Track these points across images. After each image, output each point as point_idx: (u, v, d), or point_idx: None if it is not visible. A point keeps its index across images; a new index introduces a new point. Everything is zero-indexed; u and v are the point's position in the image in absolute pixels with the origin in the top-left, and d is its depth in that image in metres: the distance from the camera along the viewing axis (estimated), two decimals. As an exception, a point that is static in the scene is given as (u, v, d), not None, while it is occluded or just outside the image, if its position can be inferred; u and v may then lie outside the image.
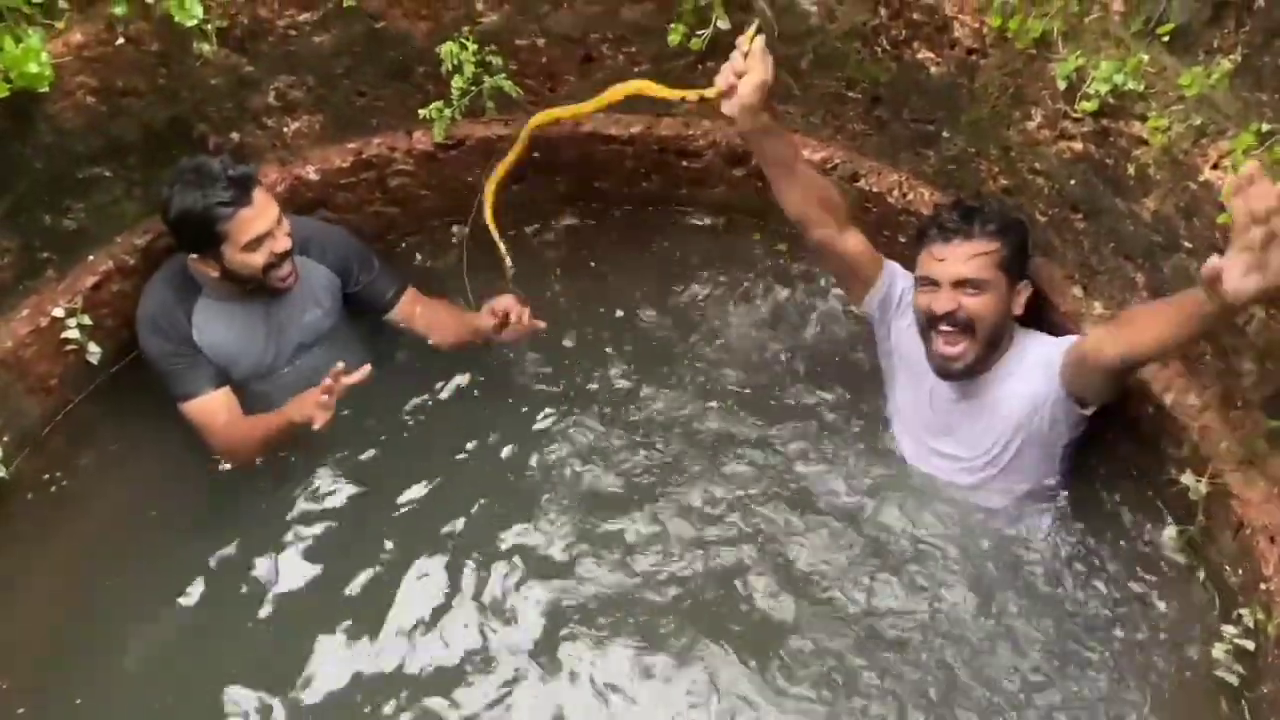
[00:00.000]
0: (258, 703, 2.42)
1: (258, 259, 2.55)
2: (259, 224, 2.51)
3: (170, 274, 2.72)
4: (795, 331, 3.03)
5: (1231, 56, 1.92)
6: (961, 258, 2.32)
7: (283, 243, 2.57)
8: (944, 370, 2.41)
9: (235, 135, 2.93)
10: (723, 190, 3.17)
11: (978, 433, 2.47)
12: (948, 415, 2.52)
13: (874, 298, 2.60)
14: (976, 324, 2.34)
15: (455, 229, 3.20)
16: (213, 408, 2.70)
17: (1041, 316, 2.57)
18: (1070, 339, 2.36)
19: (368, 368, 2.55)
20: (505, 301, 2.72)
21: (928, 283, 2.38)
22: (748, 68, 2.26)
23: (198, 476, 2.80)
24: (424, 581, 2.60)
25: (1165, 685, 2.31)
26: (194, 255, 2.57)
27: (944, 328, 2.37)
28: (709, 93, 2.35)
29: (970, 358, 2.38)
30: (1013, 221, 2.41)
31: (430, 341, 2.92)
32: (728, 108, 2.29)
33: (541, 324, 2.79)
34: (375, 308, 2.92)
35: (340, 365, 2.50)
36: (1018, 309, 2.39)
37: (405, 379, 2.99)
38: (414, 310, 2.91)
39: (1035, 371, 2.37)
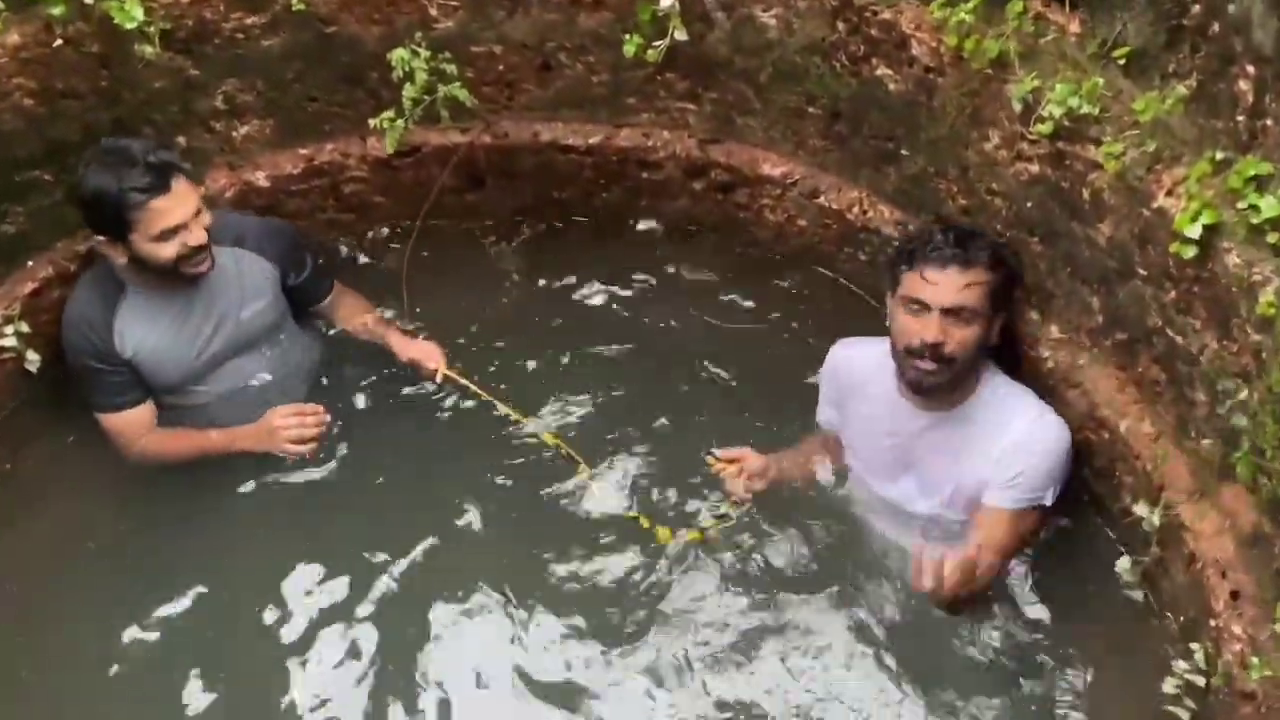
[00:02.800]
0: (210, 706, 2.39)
1: (168, 250, 2.44)
2: (173, 215, 2.41)
3: (95, 278, 2.64)
4: (746, 348, 2.99)
5: (1187, 82, 1.87)
6: (957, 285, 2.23)
7: (198, 236, 2.46)
8: (917, 385, 2.33)
9: (182, 139, 2.86)
10: (684, 203, 3.12)
11: (938, 471, 2.44)
12: (908, 451, 2.47)
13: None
14: (958, 357, 2.27)
15: (399, 249, 3.15)
16: (123, 423, 2.65)
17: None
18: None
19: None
20: (426, 354, 2.78)
21: (917, 305, 2.27)
22: (735, 460, 2.55)
23: (141, 486, 2.75)
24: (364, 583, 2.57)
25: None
26: (100, 238, 2.47)
27: (923, 360, 2.28)
28: (729, 509, 2.58)
29: (944, 381, 2.32)
30: (1007, 253, 2.36)
31: (338, 328, 2.94)
32: (759, 485, 2.56)
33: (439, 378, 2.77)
34: (311, 300, 2.89)
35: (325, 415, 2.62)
36: (993, 339, 2.34)
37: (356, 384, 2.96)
38: (340, 302, 2.94)
39: (1004, 455, 2.34)
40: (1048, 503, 2.35)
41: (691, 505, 2.65)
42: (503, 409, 2.79)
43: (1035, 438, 2.33)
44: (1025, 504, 2.34)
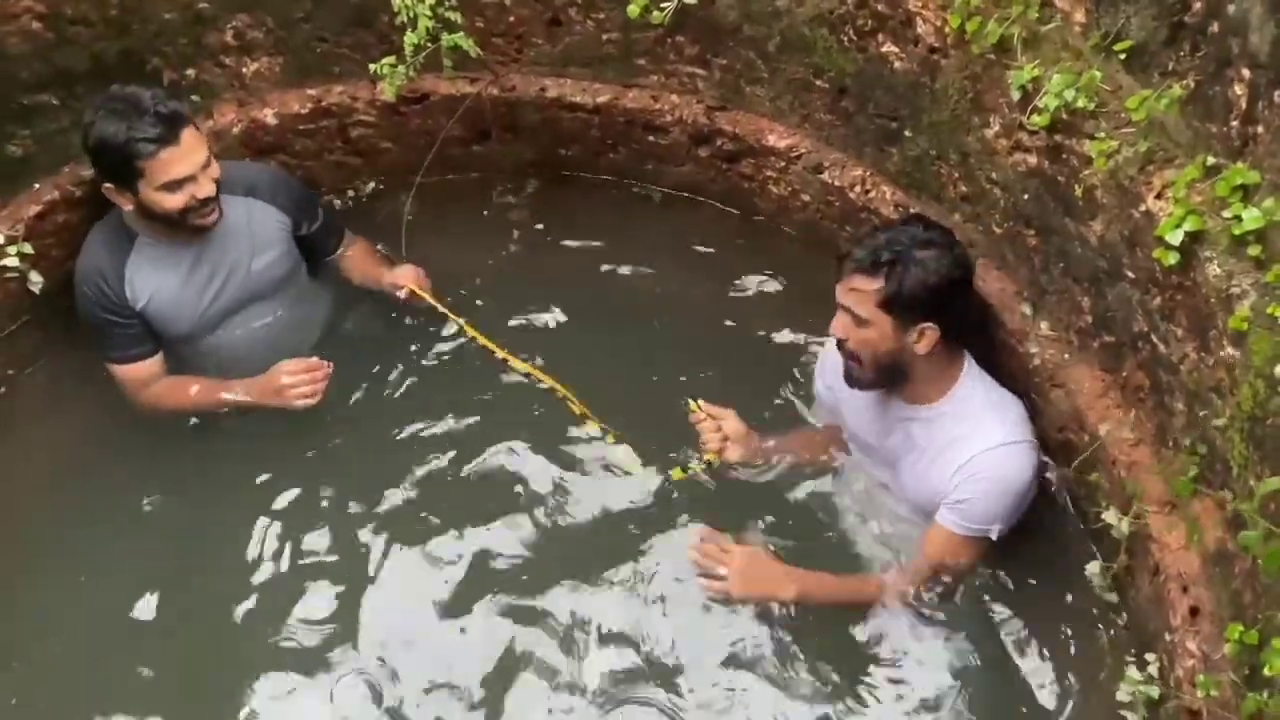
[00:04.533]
0: (191, 644, 2.45)
1: (176, 200, 2.45)
2: (181, 166, 2.42)
3: (106, 228, 2.65)
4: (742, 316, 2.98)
5: (1184, 82, 1.80)
6: (844, 288, 2.24)
7: (206, 188, 2.47)
8: (848, 378, 2.34)
9: (191, 72, 2.88)
10: (689, 169, 3.08)
11: (903, 468, 2.41)
12: (884, 442, 2.45)
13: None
14: (860, 355, 2.26)
15: (404, 198, 3.13)
16: (133, 373, 2.68)
17: (991, 333, 2.49)
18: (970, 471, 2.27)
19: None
20: (403, 276, 2.80)
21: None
22: (716, 418, 2.53)
23: (133, 418, 2.77)
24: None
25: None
26: (108, 185, 2.49)
27: (843, 356, 2.32)
28: (711, 459, 2.52)
29: (866, 379, 2.30)
30: (910, 263, 2.17)
31: (349, 279, 2.94)
32: (730, 453, 2.52)
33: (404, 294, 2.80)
34: (323, 252, 2.89)
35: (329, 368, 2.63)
36: (921, 349, 2.23)
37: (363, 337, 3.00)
38: (352, 254, 2.94)
39: (958, 474, 2.28)
40: (993, 537, 2.28)
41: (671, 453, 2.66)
42: (480, 340, 2.81)
43: (990, 468, 2.25)
44: (971, 532, 2.28)
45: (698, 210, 3.15)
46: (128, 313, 2.61)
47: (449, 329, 2.90)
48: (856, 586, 2.40)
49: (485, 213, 3.23)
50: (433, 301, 2.79)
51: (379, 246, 3.03)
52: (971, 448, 2.27)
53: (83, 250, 2.65)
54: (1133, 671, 2.11)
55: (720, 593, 2.33)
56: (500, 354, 2.79)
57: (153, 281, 2.62)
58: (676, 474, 2.54)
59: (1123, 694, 2.13)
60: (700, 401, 2.55)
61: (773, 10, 2.62)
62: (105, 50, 2.71)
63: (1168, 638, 2.02)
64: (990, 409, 2.32)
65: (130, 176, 2.43)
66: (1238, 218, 1.69)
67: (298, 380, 2.62)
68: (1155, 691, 2.06)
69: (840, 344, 2.29)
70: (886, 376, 2.31)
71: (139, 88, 2.46)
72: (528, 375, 2.77)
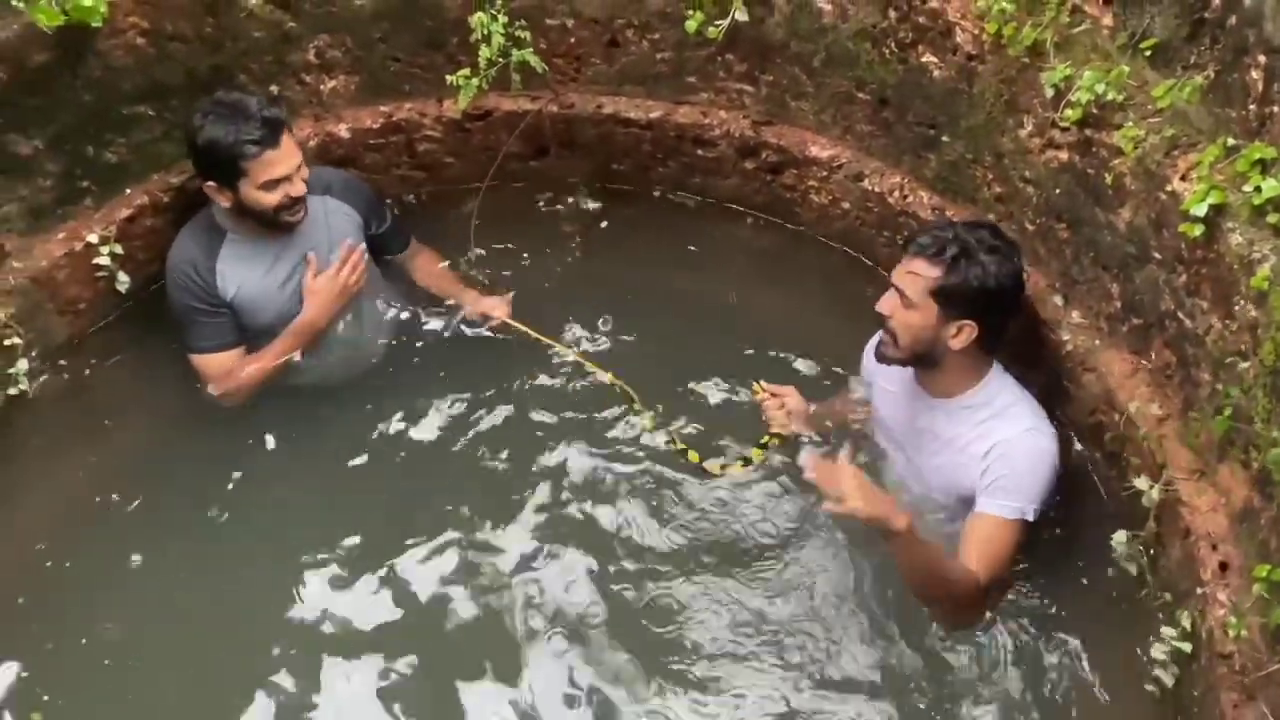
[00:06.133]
0: (253, 636, 2.57)
1: (273, 198, 2.67)
2: (280, 167, 2.64)
3: (196, 225, 2.85)
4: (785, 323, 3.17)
5: (1205, 73, 2.00)
6: (904, 270, 2.39)
7: (299, 188, 2.70)
8: (878, 352, 2.50)
9: (274, 88, 3.09)
10: (735, 181, 3.28)
11: (926, 456, 2.56)
12: (910, 431, 2.60)
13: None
14: (897, 333, 2.42)
15: (470, 204, 3.33)
16: (219, 363, 2.84)
17: (1026, 324, 2.65)
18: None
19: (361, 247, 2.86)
20: (492, 305, 3.00)
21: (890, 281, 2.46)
22: (780, 396, 2.77)
23: (214, 411, 2.92)
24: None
25: (1102, 688, 2.40)
26: (210, 183, 2.69)
27: (883, 331, 2.48)
28: (778, 436, 2.76)
29: (895, 356, 2.46)
30: (972, 261, 2.31)
31: (415, 281, 3.13)
32: (795, 427, 2.75)
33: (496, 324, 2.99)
34: (389, 250, 3.10)
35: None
36: (956, 344, 2.37)
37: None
38: (416, 256, 3.15)
39: (988, 457, 2.42)
40: (1029, 517, 2.37)
41: (733, 446, 2.85)
42: (563, 352, 2.98)
43: (1020, 448, 2.38)
44: (1010, 513, 2.36)
45: (741, 220, 3.35)
46: (217, 302, 2.80)
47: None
48: (943, 554, 2.33)
49: (539, 223, 3.42)
50: (525, 330, 2.97)
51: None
52: (1000, 433, 2.41)
53: (175, 245, 2.84)
54: (1167, 629, 2.24)
55: (846, 512, 2.19)
56: (600, 372, 2.94)
57: (240, 274, 2.81)
58: (755, 454, 2.74)
59: (1156, 652, 2.25)
60: (762, 381, 2.77)
61: (819, 27, 2.84)
62: (199, 66, 2.93)
63: (1199, 591, 2.15)
64: (1016, 402, 2.47)
65: (234, 175, 2.64)
66: (1257, 188, 1.87)
67: (344, 277, 2.83)
68: (1188, 646, 2.19)
69: (883, 320, 2.45)
70: (915, 359, 2.46)
71: (243, 94, 2.69)
72: (620, 390, 2.92)
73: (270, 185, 2.65)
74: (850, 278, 3.18)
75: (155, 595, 2.64)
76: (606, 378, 2.89)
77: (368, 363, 3.07)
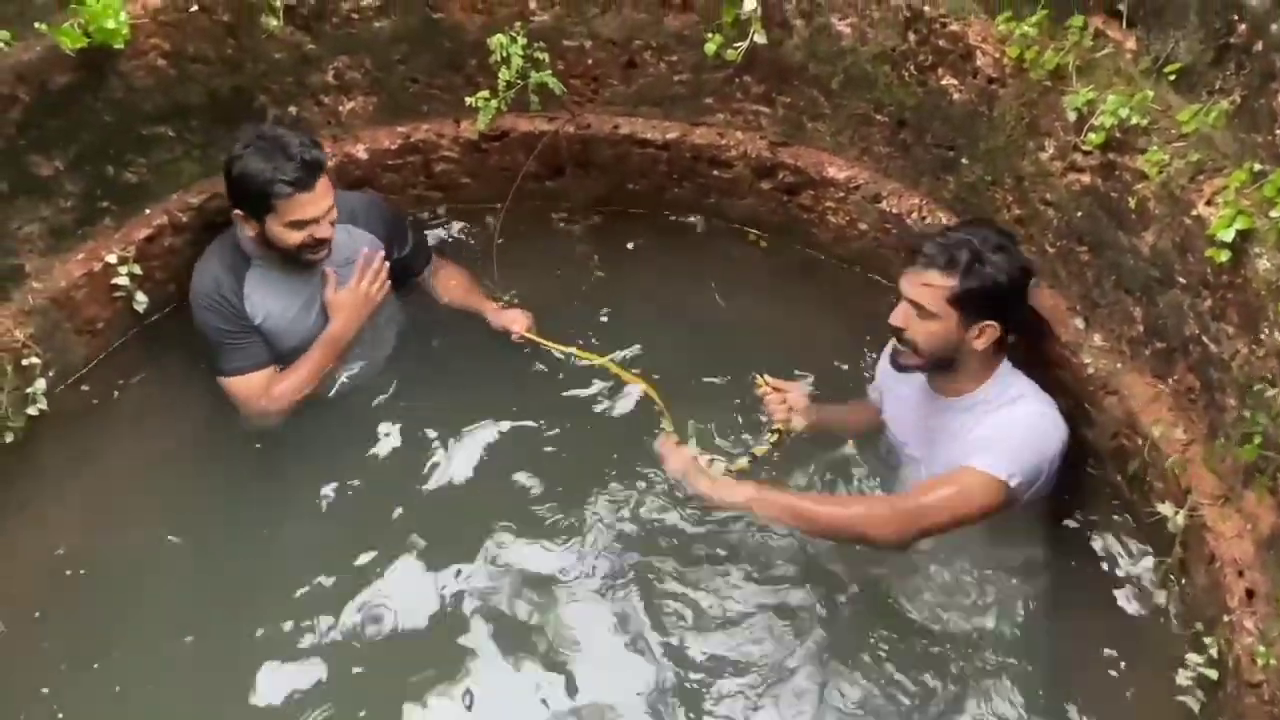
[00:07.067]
0: (266, 652, 2.54)
1: (296, 237, 2.67)
2: (310, 210, 2.64)
3: (222, 248, 2.84)
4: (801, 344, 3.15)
5: (1231, 98, 1.99)
6: (916, 283, 2.40)
7: (325, 231, 2.70)
8: (893, 360, 2.52)
9: (293, 109, 3.11)
10: (751, 202, 3.28)
11: (938, 453, 2.55)
12: (923, 431, 2.61)
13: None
14: (918, 346, 2.44)
15: (489, 220, 3.34)
16: (251, 386, 2.81)
17: (1043, 346, 2.65)
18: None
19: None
20: (514, 319, 3.02)
21: (897, 293, 2.48)
22: (782, 391, 2.78)
23: (229, 429, 2.91)
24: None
25: (1128, 715, 2.37)
26: (238, 211, 2.70)
27: (896, 339, 2.49)
28: (780, 431, 2.75)
29: (914, 364, 2.48)
30: (984, 264, 2.35)
31: (438, 298, 3.14)
32: (796, 422, 2.75)
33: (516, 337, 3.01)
34: (412, 273, 3.11)
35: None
36: (978, 345, 2.41)
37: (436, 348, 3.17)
38: (437, 275, 3.15)
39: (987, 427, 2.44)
40: (1012, 484, 2.33)
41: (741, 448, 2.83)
42: (587, 359, 2.96)
43: (1020, 419, 2.42)
44: (990, 468, 2.33)
45: (755, 240, 3.34)
46: (247, 324, 2.79)
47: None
48: (816, 497, 2.59)
49: (554, 241, 3.43)
50: (547, 344, 2.98)
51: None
52: (1006, 413, 2.44)
53: (200, 270, 2.83)
54: (1192, 656, 2.22)
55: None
56: (624, 375, 2.92)
57: (267, 300, 2.81)
58: (759, 450, 2.73)
59: (1182, 679, 2.24)
60: (766, 376, 2.78)
61: (838, 50, 2.85)
62: (219, 87, 2.94)
63: (1225, 619, 2.13)
64: (1025, 391, 2.50)
65: (262, 210, 2.65)
66: (1285, 214, 1.86)
67: (367, 284, 2.86)
68: (1214, 673, 2.17)
69: (897, 332, 2.46)
70: (935, 365, 2.49)
71: (288, 131, 2.67)
72: (651, 400, 2.88)
73: (297, 225, 2.66)
74: (867, 298, 3.17)
75: (169, 613, 2.62)
76: (641, 387, 2.86)
77: (378, 371, 3.06)
